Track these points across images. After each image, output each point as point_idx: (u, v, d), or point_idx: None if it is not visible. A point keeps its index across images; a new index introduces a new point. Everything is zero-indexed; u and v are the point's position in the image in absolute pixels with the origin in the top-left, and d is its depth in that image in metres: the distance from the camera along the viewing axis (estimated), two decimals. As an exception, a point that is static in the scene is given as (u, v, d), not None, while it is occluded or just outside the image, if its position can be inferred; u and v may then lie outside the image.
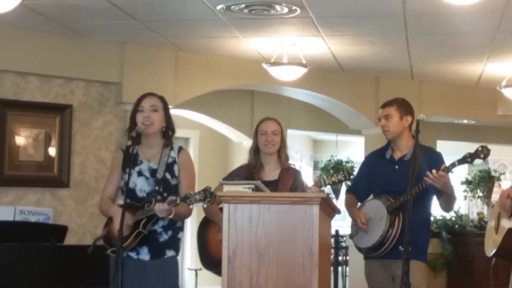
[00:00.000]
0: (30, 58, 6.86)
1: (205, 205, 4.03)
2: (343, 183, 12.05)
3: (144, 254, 4.20)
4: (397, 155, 4.79)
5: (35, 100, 6.95)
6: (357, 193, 4.97)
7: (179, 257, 4.39)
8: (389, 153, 4.84)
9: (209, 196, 3.99)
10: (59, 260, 5.16)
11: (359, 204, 4.99)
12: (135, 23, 6.49)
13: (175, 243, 4.29)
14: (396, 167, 4.74)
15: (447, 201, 4.64)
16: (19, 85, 6.89)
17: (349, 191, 5.13)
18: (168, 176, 4.24)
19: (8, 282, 5.01)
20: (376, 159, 4.95)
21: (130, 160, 4.17)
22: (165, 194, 4.18)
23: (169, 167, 4.26)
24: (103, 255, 4.22)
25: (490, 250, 4.87)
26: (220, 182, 4.61)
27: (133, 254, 4.19)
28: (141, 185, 4.24)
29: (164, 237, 4.23)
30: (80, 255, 5.08)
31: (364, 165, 5.08)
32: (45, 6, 5.96)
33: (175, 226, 4.28)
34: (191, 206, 4.06)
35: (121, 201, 4.30)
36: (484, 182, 11.57)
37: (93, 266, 4.78)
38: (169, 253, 4.24)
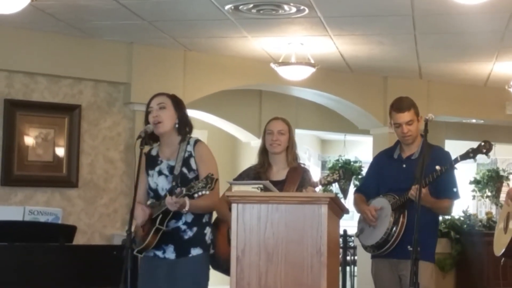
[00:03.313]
0: (38, 58, 6.89)
1: (207, 192, 3.98)
2: (351, 183, 12.19)
3: (170, 253, 4.22)
4: (405, 154, 4.78)
5: (44, 101, 6.97)
6: (366, 192, 4.96)
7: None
8: (397, 152, 4.84)
9: (209, 182, 3.96)
10: (68, 260, 5.18)
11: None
12: (144, 23, 6.51)
13: (201, 240, 4.25)
14: (404, 165, 4.74)
15: (434, 210, 4.67)
16: (28, 86, 6.91)
17: (357, 190, 5.14)
18: (185, 170, 4.25)
19: (17, 282, 5.03)
20: (384, 159, 4.95)
21: (140, 163, 4.18)
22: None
23: (186, 161, 4.26)
24: (112, 255, 4.24)
25: (499, 250, 4.86)
26: (229, 182, 4.61)
27: (159, 253, 4.22)
28: (162, 184, 4.27)
29: (189, 234, 4.22)
30: (89, 255, 5.10)
31: (372, 164, 5.09)
32: (54, 7, 5.98)
33: (201, 222, 4.26)
34: (195, 196, 4.00)
35: (149, 203, 4.32)
36: (493, 181, 11.55)
37: (102, 266, 4.80)
38: (194, 251, 4.22)
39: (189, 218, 4.21)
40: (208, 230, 4.32)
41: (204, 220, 4.29)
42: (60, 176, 7.03)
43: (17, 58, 6.78)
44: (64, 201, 7.03)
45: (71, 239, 5.41)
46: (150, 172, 4.32)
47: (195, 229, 4.24)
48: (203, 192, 3.97)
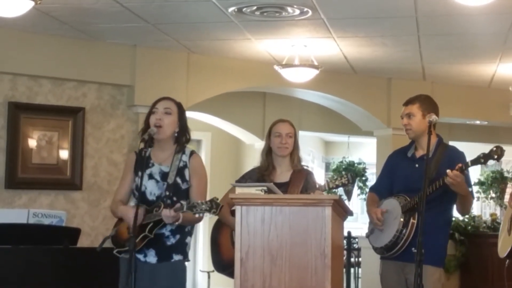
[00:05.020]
0: (43, 61, 6.90)
1: (210, 215, 4.03)
2: (355, 185, 12.19)
3: (151, 257, 4.21)
4: (419, 153, 4.69)
5: (48, 103, 6.99)
6: (379, 192, 4.90)
7: (191, 260, 4.39)
8: (412, 151, 4.77)
9: (214, 207, 3.99)
10: (72, 262, 5.18)
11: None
12: (147, 26, 6.51)
13: (182, 248, 4.28)
14: (417, 165, 4.64)
15: (462, 203, 4.57)
16: (32, 89, 6.92)
17: (371, 189, 5.09)
18: (178, 180, 4.24)
19: (21, 284, 5.04)
20: (398, 158, 4.88)
21: (142, 164, 4.19)
22: (174, 199, 4.18)
23: (180, 171, 4.25)
24: (115, 257, 4.24)
25: (504, 252, 4.86)
26: (232, 185, 4.61)
27: (140, 257, 4.20)
28: (151, 188, 4.25)
29: (172, 240, 4.23)
30: (93, 258, 5.10)
31: (386, 163, 5.01)
32: (58, 9, 5.99)
33: (184, 231, 4.27)
34: (197, 216, 4.06)
35: (132, 203, 4.32)
36: (497, 183, 11.54)
37: (106, 269, 4.79)
38: (176, 257, 4.24)
39: (173, 225, 4.21)
40: (189, 240, 4.35)
41: (186, 229, 4.30)
42: (64, 179, 7.04)
43: (21, 61, 6.79)
44: (68, 203, 7.04)
45: (75, 241, 5.41)
46: (140, 173, 4.26)
47: (178, 236, 4.24)
48: (207, 214, 4.01)
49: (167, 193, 4.20)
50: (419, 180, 4.40)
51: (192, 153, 4.33)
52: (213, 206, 3.99)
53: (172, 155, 4.28)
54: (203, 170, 4.36)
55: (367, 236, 4.86)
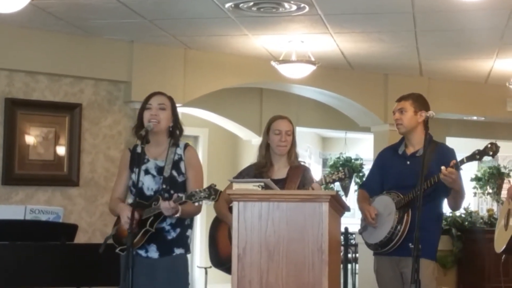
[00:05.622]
0: (39, 57, 6.89)
1: (209, 203, 4.02)
2: (352, 181, 12.19)
3: (153, 252, 4.22)
4: (410, 151, 4.75)
5: (45, 99, 6.98)
6: (370, 189, 4.94)
7: (189, 255, 4.39)
8: (402, 148, 4.81)
9: (213, 193, 3.99)
10: (69, 259, 5.18)
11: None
12: (144, 21, 6.51)
13: (183, 241, 4.29)
14: (408, 162, 4.70)
15: (455, 199, 4.62)
16: (28, 85, 6.91)
17: (362, 186, 5.13)
18: (174, 173, 4.25)
19: (18, 281, 5.04)
20: (389, 155, 4.92)
21: (139, 160, 4.19)
22: (172, 192, 4.18)
23: (176, 164, 4.26)
24: (113, 253, 4.24)
25: (500, 247, 4.87)
26: (230, 180, 4.61)
27: (142, 252, 4.21)
28: (148, 184, 4.25)
29: (172, 234, 4.24)
30: (90, 254, 5.10)
31: (377, 160, 5.05)
32: (54, 5, 5.98)
33: (184, 224, 4.28)
34: (196, 204, 4.06)
35: (130, 200, 4.32)
36: (494, 178, 11.54)
37: (104, 265, 4.80)
38: (178, 251, 4.25)
39: (173, 219, 4.22)
40: (190, 232, 4.35)
41: (186, 222, 4.31)
42: (61, 175, 7.04)
43: (18, 57, 6.78)
44: (65, 200, 7.03)
45: (72, 238, 5.41)
46: (135, 169, 4.26)
47: (178, 230, 4.25)
48: (206, 202, 3.99)
49: (164, 187, 4.20)
50: (410, 177, 4.49)
51: (186, 145, 4.34)
52: (212, 192, 3.99)
53: (166, 149, 4.29)
54: (198, 162, 4.38)
55: (360, 232, 4.89)
